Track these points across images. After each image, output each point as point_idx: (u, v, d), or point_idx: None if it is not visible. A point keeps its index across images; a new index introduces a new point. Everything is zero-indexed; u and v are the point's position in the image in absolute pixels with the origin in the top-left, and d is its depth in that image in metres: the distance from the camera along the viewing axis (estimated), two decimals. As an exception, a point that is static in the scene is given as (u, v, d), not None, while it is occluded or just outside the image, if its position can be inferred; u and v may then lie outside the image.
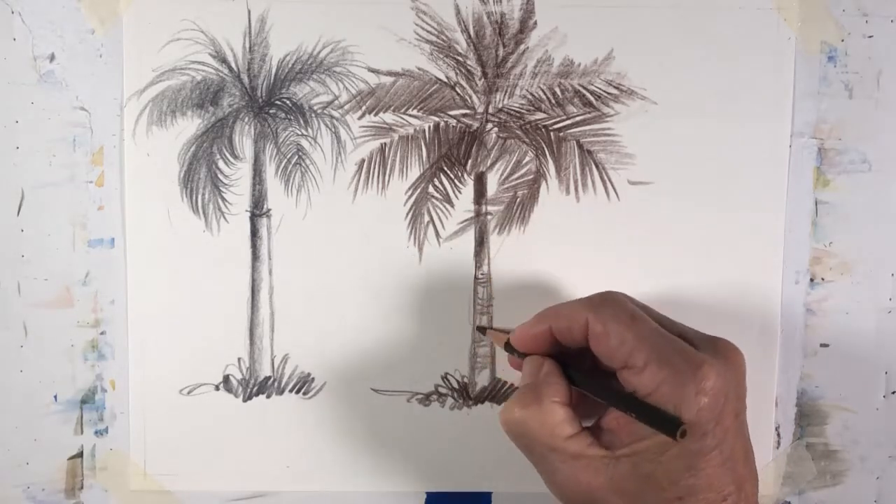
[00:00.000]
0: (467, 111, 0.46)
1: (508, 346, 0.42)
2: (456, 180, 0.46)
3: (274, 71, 0.45)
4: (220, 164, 0.46)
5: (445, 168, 0.46)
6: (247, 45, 0.45)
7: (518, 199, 0.46)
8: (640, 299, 0.46)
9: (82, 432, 0.47)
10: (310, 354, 0.46)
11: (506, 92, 0.45)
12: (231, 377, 0.47)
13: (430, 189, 0.46)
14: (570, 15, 0.45)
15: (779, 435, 0.47)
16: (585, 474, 0.37)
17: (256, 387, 0.47)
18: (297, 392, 0.47)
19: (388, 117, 0.46)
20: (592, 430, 0.38)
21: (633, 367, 0.36)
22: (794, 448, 0.47)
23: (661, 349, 0.36)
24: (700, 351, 0.36)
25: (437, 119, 0.46)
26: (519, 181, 0.46)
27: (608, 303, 0.38)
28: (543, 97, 0.45)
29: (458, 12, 0.45)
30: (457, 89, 0.45)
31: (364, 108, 0.45)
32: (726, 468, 0.36)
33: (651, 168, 0.46)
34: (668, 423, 0.35)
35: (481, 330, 0.46)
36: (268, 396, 0.47)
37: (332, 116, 0.45)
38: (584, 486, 0.37)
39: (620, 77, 0.45)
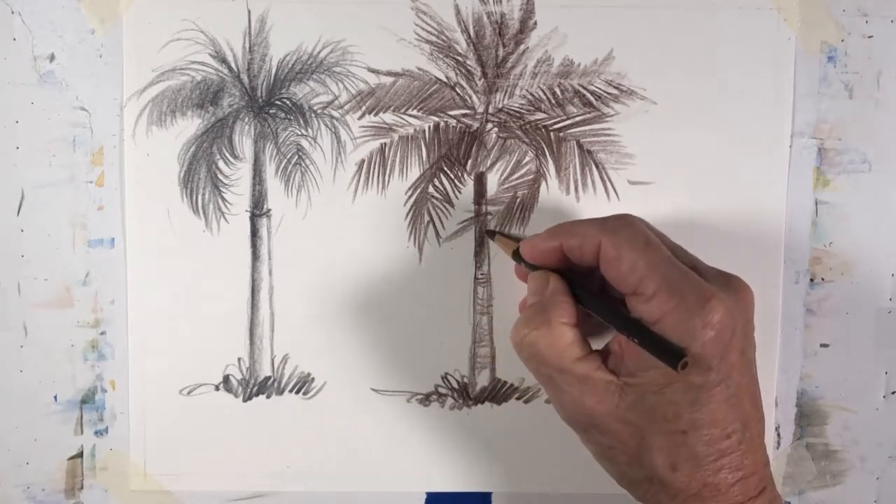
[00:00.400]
0: (467, 111, 0.46)
1: (516, 255, 0.41)
2: (456, 180, 0.46)
3: (274, 71, 0.45)
4: (220, 164, 0.46)
5: (445, 168, 0.46)
6: (247, 45, 0.45)
7: (518, 199, 0.46)
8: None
9: (82, 432, 0.47)
10: (310, 354, 0.46)
11: (506, 92, 0.45)
12: (231, 377, 0.47)
13: (430, 189, 0.46)
14: (570, 15, 0.45)
15: (779, 435, 0.47)
16: (591, 398, 0.37)
17: (256, 387, 0.47)
18: (297, 392, 0.47)
19: (388, 117, 0.46)
20: (601, 354, 0.38)
21: (642, 295, 0.36)
22: (794, 448, 0.47)
23: (671, 279, 0.35)
24: (710, 284, 0.36)
25: (437, 119, 0.46)
26: (519, 181, 0.46)
27: (623, 226, 0.37)
28: (543, 97, 0.45)
29: (458, 12, 0.45)
30: (457, 89, 0.45)
31: (364, 108, 0.45)
32: (730, 405, 0.35)
33: (651, 168, 0.46)
34: (672, 354, 0.34)
35: (490, 234, 0.45)
36: (268, 396, 0.47)
37: (332, 116, 0.45)
38: (588, 409, 0.37)
39: (620, 77, 0.45)
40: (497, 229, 0.45)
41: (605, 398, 0.37)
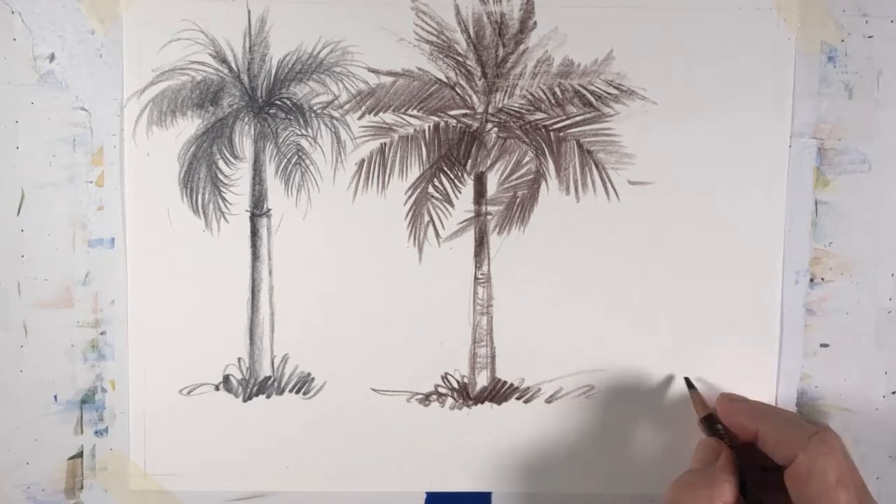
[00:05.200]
0: (467, 111, 0.46)
1: (708, 420, 0.43)
2: (456, 180, 0.46)
3: (274, 71, 0.45)
4: (220, 164, 0.46)
5: (445, 168, 0.46)
6: (247, 45, 0.45)
7: (518, 199, 0.46)
8: (640, 299, 0.46)
9: (82, 432, 0.47)
10: (310, 354, 0.46)
11: (506, 92, 0.45)
12: (231, 377, 0.46)
13: (430, 189, 0.46)
14: (570, 15, 0.45)
15: (779, 435, 0.47)
16: None
17: (256, 387, 0.47)
18: (297, 392, 0.47)
19: (388, 117, 0.46)
20: None
21: None
22: None
23: None
24: None
25: (437, 119, 0.46)
26: (519, 181, 0.46)
27: (825, 454, 0.38)
28: (543, 97, 0.45)
29: (457, 12, 0.45)
30: (457, 89, 0.45)
31: (364, 108, 0.45)
32: None
33: (651, 168, 0.46)
34: None
35: (689, 385, 0.45)
36: (268, 396, 0.47)
37: (332, 116, 0.45)
38: None
39: (620, 77, 0.45)
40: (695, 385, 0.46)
41: None
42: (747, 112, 0.45)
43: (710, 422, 0.43)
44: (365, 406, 0.47)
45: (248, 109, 0.46)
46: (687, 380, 0.45)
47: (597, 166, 0.46)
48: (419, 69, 0.45)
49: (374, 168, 0.46)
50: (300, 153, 0.46)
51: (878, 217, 0.46)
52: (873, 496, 0.39)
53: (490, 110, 0.46)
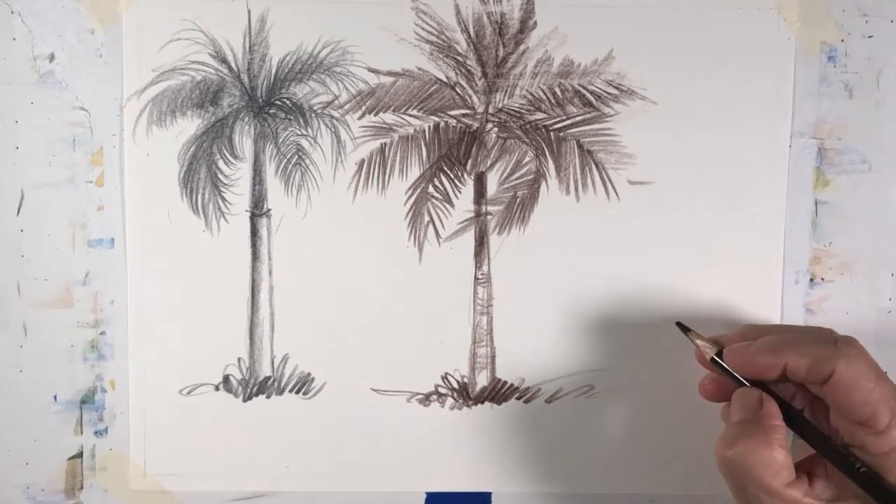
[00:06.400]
0: (467, 111, 0.46)
1: (714, 361, 0.41)
2: (456, 180, 0.46)
3: (274, 71, 0.45)
4: (220, 164, 0.46)
5: (445, 168, 0.46)
6: (247, 45, 0.45)
7: (518, 199, 0.46)
8: (640, 299, 0.46)
9: (82, 432, 0.47)
10: (310, 354, 0.46)
11: (506, 92, 0.45)
12: (231, 377, 0.46)
13: (430, 189, 0.46)
14: (570, 15, 0.45)
15: (779, 435, 0.47)
16: None
17: (256, 387, 0.47)
18: (297, 392, 0.47)
19: (388, 117, 0.46)
20: (806, 476, 0.38)
21: (872, 427, 0.36)
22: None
23: None
24: None
25: (437, 119, 0.46)
26: (519, 181, 0.46)
27: (857, 354, 0.37)
28: (543, 97, 0.45)
29: (458, 12, 0.45)
30: (457, 89, 0.45)
31: (364, 108, 0.45)
32: None
33: (651, 168, 0.46)
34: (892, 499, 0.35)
35: (682, 328, 0.43)
36: (268, 396, 0.47)
37: (332, 116, 0.45)
38: None
39: (620, 77, 0.45)
40: (693, 332, 0.43)
41: None
42: (747, 112, 0.45)
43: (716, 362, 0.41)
44: (365, 406, 0.47)
45: (248, 109, 0.46)
46: (679, 324, 0.43)
47: (597, 166, 0.46)
48: (419, 69, 0.45)
49: (374, 168, 0.46)
50: (300, 153, 0.46)
51: (878, 217, 0.46)
52: None
53: (490, 110, 0.46)
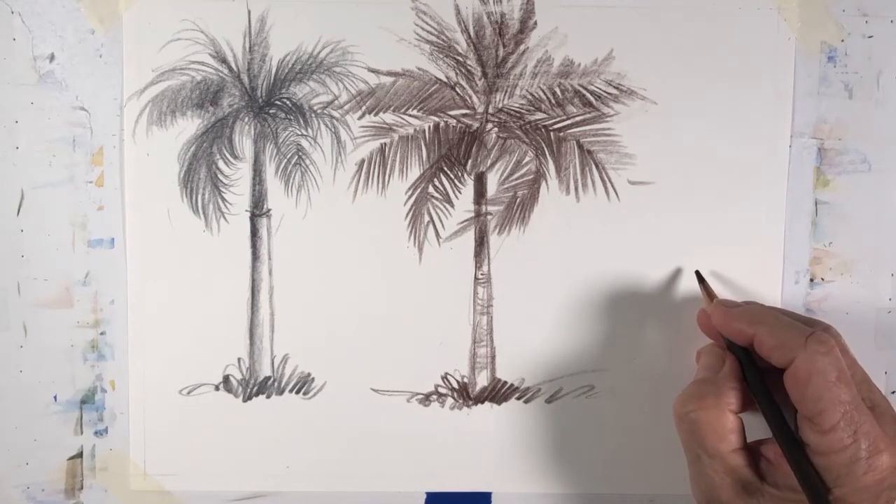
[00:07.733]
0: (467, 111, 0.46)
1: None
2: (456, 180, 0.46)
3: (274, 71, 0.45)
4: (220, 164, 0.46)
5: (445, 168, 0.46)
6: (247, 45, 0.45)
7: (518, 199, 0.46)
8: (640, 299, 0.46)
9: (82, 432, 0.47)
10: (310, 354, 0.46)
11: (506, 92, 0.45)
12: (231, 377, 0.47)
13: (430, 189, 0.46)
14: (570, 15, 0.45)
15: (779, 435, 0.47)
16: (729, 492, 0.37)
17: (256, 387, 0.47)
18: (297, 392, 0.47)
19: (388, 117, 0.46)
20: (753, 452, 0.38)
21: (818, 425, 0.36)
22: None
23: (851, 421, 0.35)
24: (886, 432, 0.36)
25: (437, 119, 0.46)
26: (519, 181, 0.46)
27: (822, 353, 0.37)
28: (543, 97, 0.45)
29: (458, 12, 0.45)
30: (457, 89, 0.45)
31: (364, 108, 0.45)
32: None
33: (651, 168, 0.46)
34: (817, 491, 0.35)
35: (699, 277, 0.44)
36: (268, 396, 0.47)
37: (332, 116, 0.45)
38: (723, 501, 0.37)
39: (620, 77, 0.45)
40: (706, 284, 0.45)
41: (741, 498, 0.37)
42: (747, 112, 0.45)
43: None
44: (365, 406, 0.47)
45: (248, 109, 0.46)
46: (698, 273, 0.45)
47: (597, 166, 0.46)
48: (419, 69, 0.45)
49: (374, 168, 0.46)
50: (300, 153, 0.46)
51: (878, 217, 0.46)
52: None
53: (490, 110, 0.46)
